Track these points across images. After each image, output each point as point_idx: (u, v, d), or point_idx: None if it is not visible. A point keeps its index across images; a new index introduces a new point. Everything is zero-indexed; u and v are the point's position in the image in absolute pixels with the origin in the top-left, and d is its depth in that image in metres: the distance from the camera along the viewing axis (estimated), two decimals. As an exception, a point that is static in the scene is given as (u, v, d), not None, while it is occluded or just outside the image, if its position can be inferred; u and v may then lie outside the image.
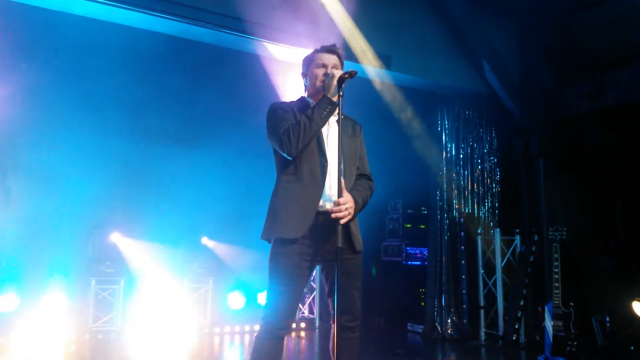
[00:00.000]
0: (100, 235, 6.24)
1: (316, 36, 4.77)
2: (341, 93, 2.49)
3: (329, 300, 2.59)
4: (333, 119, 2.66)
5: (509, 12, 6.35)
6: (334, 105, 2.46)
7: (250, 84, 5.85)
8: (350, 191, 2.52)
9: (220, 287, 6.68)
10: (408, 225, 7.53)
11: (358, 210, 2.52)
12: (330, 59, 2.64)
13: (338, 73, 2.47)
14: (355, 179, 2.68)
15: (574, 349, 4.79)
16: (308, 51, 2.76)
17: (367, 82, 5.85)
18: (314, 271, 2.52)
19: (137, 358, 5.15)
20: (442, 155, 6.52)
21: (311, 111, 2.45)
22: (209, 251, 7.09)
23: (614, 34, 5.70)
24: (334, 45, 2.70)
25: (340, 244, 2.32)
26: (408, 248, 7.32)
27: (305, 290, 6.92)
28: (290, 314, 2.47)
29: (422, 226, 7.44)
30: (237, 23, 4.70)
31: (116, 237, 6.35)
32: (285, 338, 2.52)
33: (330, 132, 2.63)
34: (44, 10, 4.42)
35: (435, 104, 6.62)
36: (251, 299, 6.83)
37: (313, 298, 7.08)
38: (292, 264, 2.44)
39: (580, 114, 6.09)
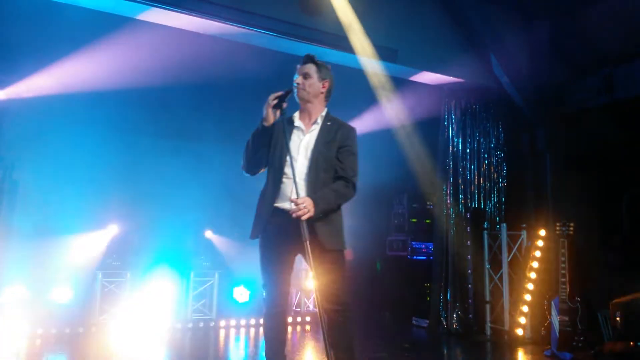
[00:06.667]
0: (106, 229, 6.30)
1: (320, 29, 4.73)
2: (284, 105, 2.77)
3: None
4: (311, 127, 2.91)
5: (517, 6, 6.28)
6: (264, 130, 2.85)
7: (258, 80, 5.82)
8: (314, 193, 2.74)
9: (225, 281, 6.69)
10: (414, 220, 7.49)
11: (320, 210, 2.68)
12: (302, 68, 2.86)
13: (271, 98, 2.79)
14: (333, 181, 2.84)
15: (580, 344, 4.79)
16: (313, 46, 2.80)
17: (372, 76, 5.82)
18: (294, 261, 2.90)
19: (142, 350, 5.18)
20: (449, 150, 6.49)
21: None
22: (215, 245, 7.11)
23: (624, 27, 5.63)
24: (306, 54, 2.91)
25: (306, 238, 2.57)
26: (413, 243, 7.28)
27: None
28: (277, 297, 2.87)
29: (427, 221, 7.40)
30: (246, 16, 4.67)
31: (122, 231, 6.39)
32: (285, 313, 2.93)
33: (303, 141, 2.87)
34: (55, 4, 4.41)
35: (442, 98, 6.58)
36: (256, 293, 6.84)
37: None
38: (265, 258, 2.90)
39: (588, 109, 6.03)
